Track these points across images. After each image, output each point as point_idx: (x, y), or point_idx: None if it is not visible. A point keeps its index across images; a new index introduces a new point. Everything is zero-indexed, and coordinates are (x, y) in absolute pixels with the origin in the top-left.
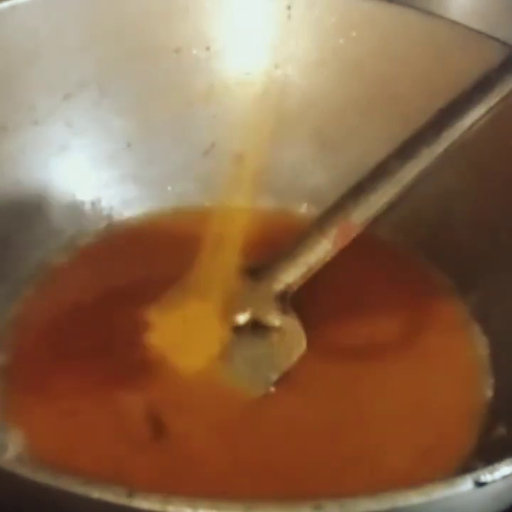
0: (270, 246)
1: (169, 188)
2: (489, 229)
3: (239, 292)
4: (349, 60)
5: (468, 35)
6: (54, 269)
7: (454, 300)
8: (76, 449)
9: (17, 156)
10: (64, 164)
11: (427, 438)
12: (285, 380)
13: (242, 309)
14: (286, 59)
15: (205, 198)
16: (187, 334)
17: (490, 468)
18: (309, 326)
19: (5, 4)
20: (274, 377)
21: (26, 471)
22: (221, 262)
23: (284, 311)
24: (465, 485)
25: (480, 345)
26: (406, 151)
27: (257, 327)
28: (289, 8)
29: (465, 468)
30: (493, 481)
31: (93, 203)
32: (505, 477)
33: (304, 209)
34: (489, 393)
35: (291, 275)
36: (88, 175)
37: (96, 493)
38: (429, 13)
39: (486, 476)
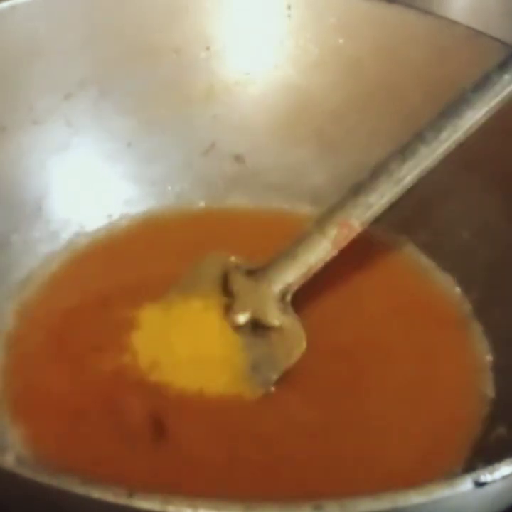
0: (270, 246)
1: (169, 187)
2: (489, 229)
3: (239, 292)
4: (349, 60)
5: (468, 35)
6: (54, 269)
7: (454, 300)
8: (76, 449)
9: (17, 155)
10: (64, 164)
11: (426, 438)
12: (285, 380)
13: (242, 309)
14: (286, 59)
15: (205, 198)
16: (187, 334)
17: (490, 468)
18: (309, 326)
19: (5, 4)
20: (274, 377)
21: (26, 471)
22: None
23: (284, 311)
24: (465, 485)
25: (480, 345)
26: (406, 151)
27: (257, 327)
28: (289, 8)
29: (465, 469)
30: (493, 481)
31: (93, 203)
32: (505, 477)
33: (304, 209)
34: (489, 393)
35: (291, 275)
36: (88, 175)
37: (96, 493)
38: (429, 13)
39: (485, 476)
